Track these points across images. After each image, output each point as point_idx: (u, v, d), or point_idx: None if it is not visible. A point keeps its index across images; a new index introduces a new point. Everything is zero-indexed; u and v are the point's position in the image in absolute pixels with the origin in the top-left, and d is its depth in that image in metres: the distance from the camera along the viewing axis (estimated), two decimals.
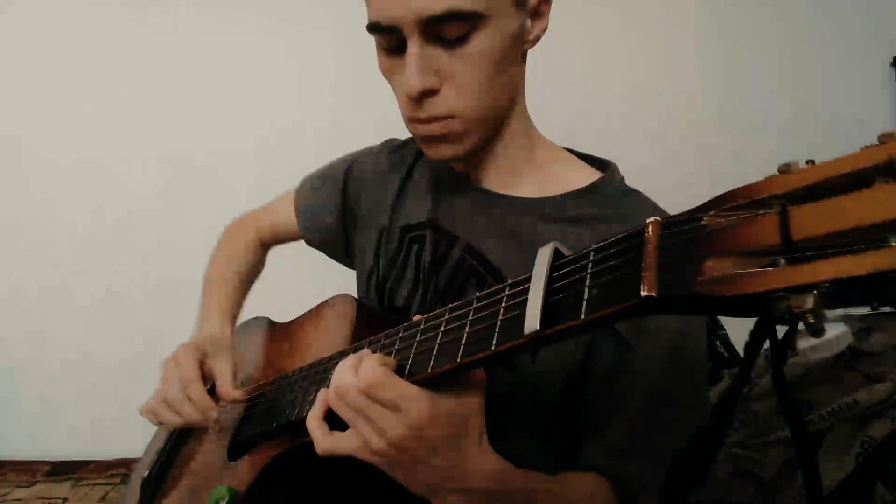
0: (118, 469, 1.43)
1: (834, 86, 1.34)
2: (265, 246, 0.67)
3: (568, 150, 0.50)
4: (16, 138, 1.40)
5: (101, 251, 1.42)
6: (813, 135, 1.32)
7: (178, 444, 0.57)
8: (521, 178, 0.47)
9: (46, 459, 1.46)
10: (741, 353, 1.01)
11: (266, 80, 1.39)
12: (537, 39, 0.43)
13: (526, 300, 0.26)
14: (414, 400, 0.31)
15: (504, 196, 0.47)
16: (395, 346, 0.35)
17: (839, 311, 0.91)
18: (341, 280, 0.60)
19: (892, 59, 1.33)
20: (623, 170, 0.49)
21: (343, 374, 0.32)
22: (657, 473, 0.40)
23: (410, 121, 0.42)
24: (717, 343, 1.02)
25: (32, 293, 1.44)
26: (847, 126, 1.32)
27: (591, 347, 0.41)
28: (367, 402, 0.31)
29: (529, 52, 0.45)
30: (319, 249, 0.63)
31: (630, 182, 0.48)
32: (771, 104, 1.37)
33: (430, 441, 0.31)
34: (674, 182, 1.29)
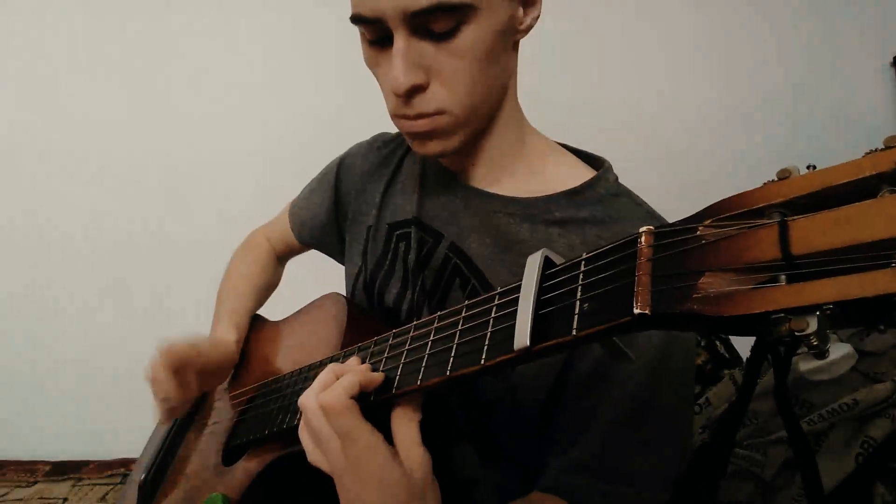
0: (118, 469, 1.44)
1: (834, 86, 1.33)
2: (280, 258, 0.67)
3: (562, 144, 0.49)
4: (14, 139, 1.39)
5: (101, 252, 1.42)
6: (813, 135, 1.31)
7: (174, 446, 0.57)
8: (510, 174, 0.45)
9: (46, 459, 1.46)
10: (741, 352, 1.00)
11: (269, 81, 1.38)
12: (529, 28, 0.41)
13: (515, 311, 0.25)
14: (362, 438, 0.30)
15: (491, 194, 0.45)
16: (385, 354, 0.34)
17: None
18: (336, 275, 0.59)
19: (892, 59, 1.31)
20: (621, 170, 0.47)
21: (308, 394, 0.32)
22: (625, 499, 0.38)
23: (396, 117, 0.41)
24: (717, 343, 1.01)
25: (32, 293, 1.44)
26: (847, 126, 1.31)
27: (573, 355, 0.39)
28: (323, 424, 0.31)
29: (530, 50, 0.43)
30: (317, 249, 0.63)
31: (629, 183, 0.46)
32: (770, 104, 1.35)
33: (368, 496, 0.31)
34: (672, 182, 1.28)
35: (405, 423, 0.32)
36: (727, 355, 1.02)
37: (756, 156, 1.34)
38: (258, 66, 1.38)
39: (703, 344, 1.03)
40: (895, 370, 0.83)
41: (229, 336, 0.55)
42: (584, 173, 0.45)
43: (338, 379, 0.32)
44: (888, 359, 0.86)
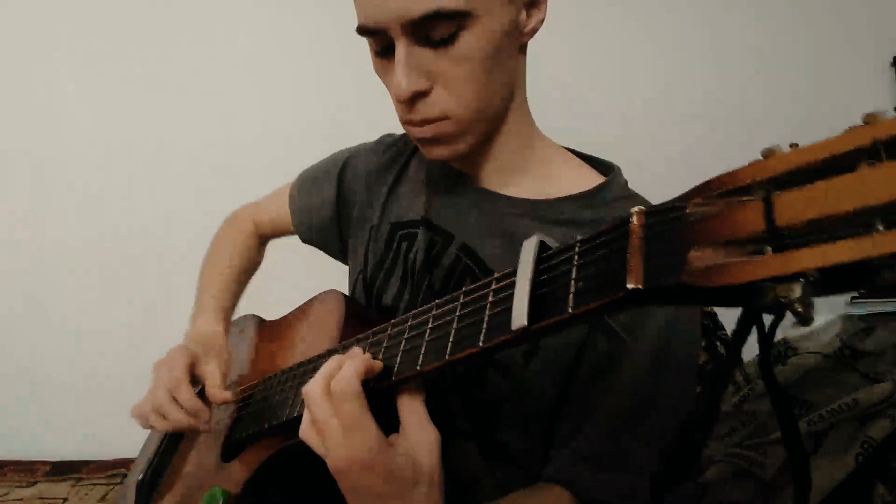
0: (118, 469, 1.43)
1: (834, 86, 1.34)
2: (263, 239, 0.67)
3: (569, 149, 0.49)
4: (10, 141, 1.40)
5: (99, 252, 1.42)
6: (813, 135, 1.31)
7: (172, 445, 0.57)
8: (519, 176, 0.46)
9: (46, 459, 1.46)
10: (741, 353, 1.00)
11: (269, 82, 1.39)
12: (535, 31, 0.42)
13: (512, 294, 0.25)
14: (364, 430, 0.31)
15: (501, 196, 0.46)
16: (384, 344, 0.35)
17: (841, 306, 0.90)
18: (336, 275, 0.59)
19: (892, 59, 1.32)
20: (625, 170, 0.47)
21: (313, 383, 0.32)
22: (628, 488, 0.38)
23: (404, 123, 0.42)
24: (718, 343, 1.02)
25: (31, 294, 1.44)
26: (847, 126, 1.31)
27: (582, 350, 0.40)
28: (327, 411, 0.31)
29: (533, 50, 0.44)
30: (313, 245, 0.63)
31: (632, 183, 0.46)
32: (771, 104, 1.36)
33: (369, 487, 0.31)
34: (671, 179, 1.28)
35: (411, 404, 0.33)
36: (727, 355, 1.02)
37: (756, 157, 1.34)
38: (260, 67, 1.39)
39: (703, 344, 1.03)
40: (895, 370, 0.83)
41: (217, 327, 0.55)
42: (594, 178, 0.45)
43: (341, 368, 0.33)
44: (888, 359, 0.86)
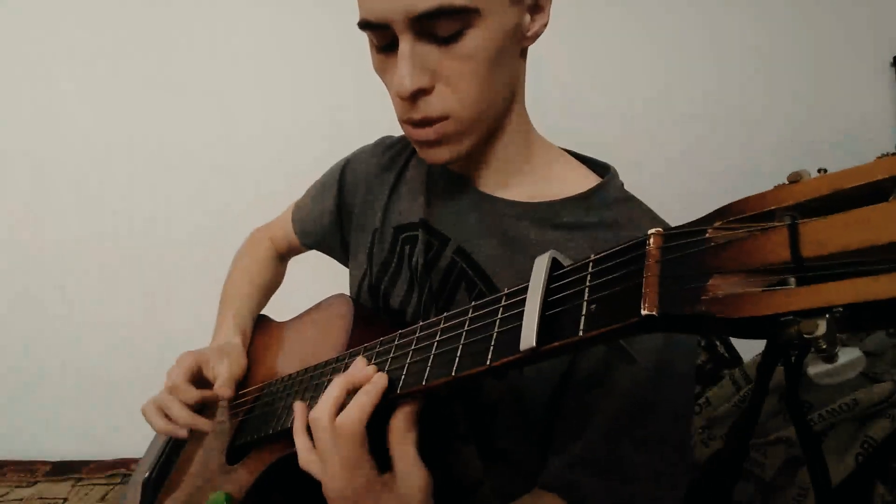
0: (118, 469, 1.43)
1: (834, 86, 1.33)
2: (282, 257, 0.68)
3: (567, 150, 0.49)
4: (10, 140, 1.39)
5: (99, 252, 1.42)
6: (813, 135, 1.31)
7: (177, 445, 0.57)
8: (517, 179, 0.46)
9: (46, 459, 1.46)
10: (741, 352, 1.01)
11: (270, 82, 1.38)
12: (537, 35, 0.42)
13: (522, 312, 0.25)
14: (361, 469, 0.31)
15: (499, 198, 0.45)
16: (391, 354, 0.35)
17: None
18: (343, 278, 0.59)
19: (892, 59, 1.32)
20: (625, 170, 0.47)
21: (320, 410, 0.32)
22: (626, 495, 0.38)
23: (404, 123, 0.41)
24: (718, 343, 1.02)
25: (31, 293, 1.43)
26: (847, 126, 1.31)
27: (578, 353, 0.39)
28: (330, 444, 0.32)
29: (534, 50, 0.43)
30: (319, 251, 0.63)
31: (632, 183, 0.46)
32: (771, 104, 1.35)
33: None
34: (673, 182, 1.28)
35: (402, 443, 0.33)
36: (727, 355, 1.02)
37: (756, 157, 1.34)
38: (259, 66, 1.38)
39: (702, 344, 1.03)
40: (895, 370, 0.83)
41: (235, 340, 0.56)
42: (592, 179, 0.45)
43: (349, 392, 0.33)
44: (888, 359, 0.86)
